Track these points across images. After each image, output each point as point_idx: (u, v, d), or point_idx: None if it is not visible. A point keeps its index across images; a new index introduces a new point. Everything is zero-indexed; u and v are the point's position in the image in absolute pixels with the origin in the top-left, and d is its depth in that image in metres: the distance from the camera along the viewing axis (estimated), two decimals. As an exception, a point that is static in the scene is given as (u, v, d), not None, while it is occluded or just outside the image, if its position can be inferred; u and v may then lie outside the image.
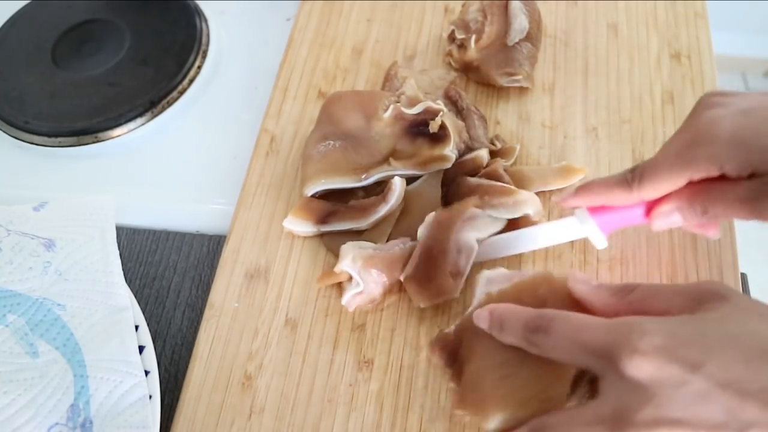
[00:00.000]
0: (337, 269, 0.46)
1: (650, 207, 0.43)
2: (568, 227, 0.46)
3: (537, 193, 0.51)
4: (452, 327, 0.43)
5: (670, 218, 0.42)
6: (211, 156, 0.59)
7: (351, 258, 0.46)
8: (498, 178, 0.50)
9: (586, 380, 0.37)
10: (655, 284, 0.37)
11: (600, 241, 0.45)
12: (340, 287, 0.48)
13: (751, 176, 0.37)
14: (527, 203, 0.48)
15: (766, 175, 0.36)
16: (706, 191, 0.39)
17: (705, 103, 0.41)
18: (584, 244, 0.49)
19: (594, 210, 0.45)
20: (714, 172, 0.38)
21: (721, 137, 0.38)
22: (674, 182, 0.40)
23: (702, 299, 0.33)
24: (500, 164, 0.51)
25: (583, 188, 0.44)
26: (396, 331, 0.47)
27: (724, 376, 0.29)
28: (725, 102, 0.40)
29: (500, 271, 0.44)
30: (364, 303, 0.47)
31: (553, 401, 0.36)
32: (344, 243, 0.50)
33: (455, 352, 0.42)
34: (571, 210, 0.46)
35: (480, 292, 0.43)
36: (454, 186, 0.50)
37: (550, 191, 0.52)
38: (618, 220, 0.44)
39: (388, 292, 0.48)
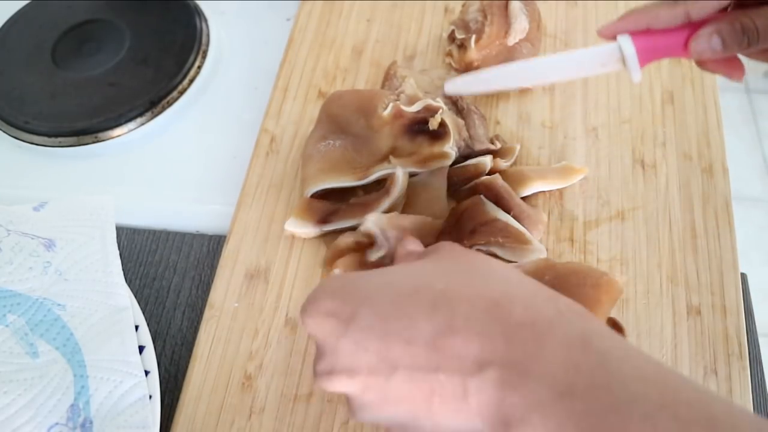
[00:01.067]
0: (361, 229, 0.46)
1: (691, 36, 0.41)
2: (604, 54, 0.42)
3: (537, 194, 0.51)
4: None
5: (711, 43, 0.39)
6: (211, 156, 0.59)
7: (374, 219, 0.45)
8: (497, 191, 0.50)
9: None
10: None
11: (636, 73, 0.42)
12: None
13: None
14: (536, 252, 0.47)
15: None
16: (748, 12, 0.38)
17: None
18: (583, 245, 0.49)
19: (636, 36, 0.41)
20: None
21: None
22: None
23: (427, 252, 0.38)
24: (499, 180, 0.50)
25: (628, 13, 0.41)
26: (396, 331, 0.47)
27: (373, 322, 0.32)
28: None
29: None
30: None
31: None
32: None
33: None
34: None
35: None
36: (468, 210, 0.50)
37: (550, 191, 0.52)
38: (659, 48, 0.41)
39: None
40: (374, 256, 0.46)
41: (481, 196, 0.49)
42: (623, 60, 0.41)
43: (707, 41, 0.39)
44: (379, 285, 0.34)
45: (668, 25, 0.40)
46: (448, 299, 0.32)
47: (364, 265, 0.46)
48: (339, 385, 0.32)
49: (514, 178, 0.51)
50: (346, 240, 0.48)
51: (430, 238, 0.48)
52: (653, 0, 0.40)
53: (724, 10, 0.39)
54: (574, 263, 0.43)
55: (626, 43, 0.41)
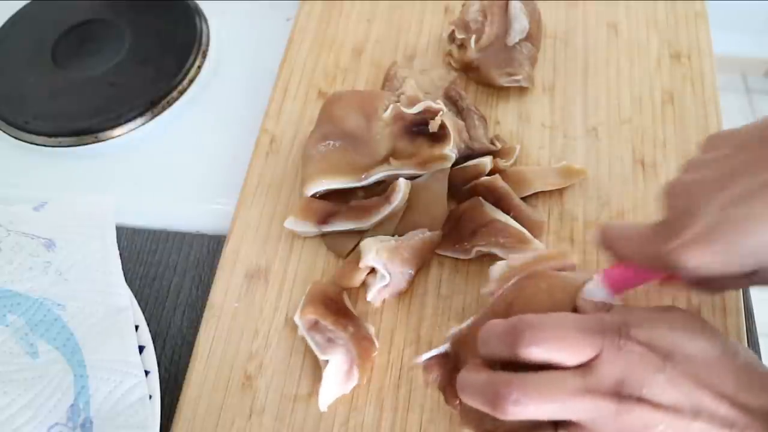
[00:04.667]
0: (362, 265, 0.46)
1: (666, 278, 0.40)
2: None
3: (537, 194, 0.51)
4: (446, 344, 0.41)
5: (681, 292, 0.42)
6: (211, 156, 0.59)
7: (375, 252, 0.45)
8: (497, 191, 0.50)
9: None
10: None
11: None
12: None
13: None
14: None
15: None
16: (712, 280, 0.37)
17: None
18: (583, 246, 0.49)
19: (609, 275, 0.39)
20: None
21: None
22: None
23: (672, 307, 0.38)
24: (500, 181, 0.50)
25: (612, 238, 0.40)
26: (396, 331, 0.47)
27: (688, 368, 0.33)
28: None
29: (502, 264, 0.43)
30: (391, 295, 0.47)
31: None
32: (346, 243, 0.50)
33: (454, 370, 0.39)
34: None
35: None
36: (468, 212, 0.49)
37: (550, 192, 0.52)
38: (633, 283, 0.40)
39: (412, 281, 0.48)
40: (377, 285, 0.46)
41: (480, 197, 0.49)
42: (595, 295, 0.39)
43: (675, 288, 0.42)
44: (684, 337, 0.35)
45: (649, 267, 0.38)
46: (746, 364, 0.35)
47: (339, 313, 0.46)
48: (639, 411, 0.32)
49: (514, 179, 0.51)
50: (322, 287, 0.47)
51: (431, 250, 0.48)
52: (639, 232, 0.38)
53: None
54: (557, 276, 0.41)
55: (597, 287, 0.39)
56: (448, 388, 0.40)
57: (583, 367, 0.34)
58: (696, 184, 0.36)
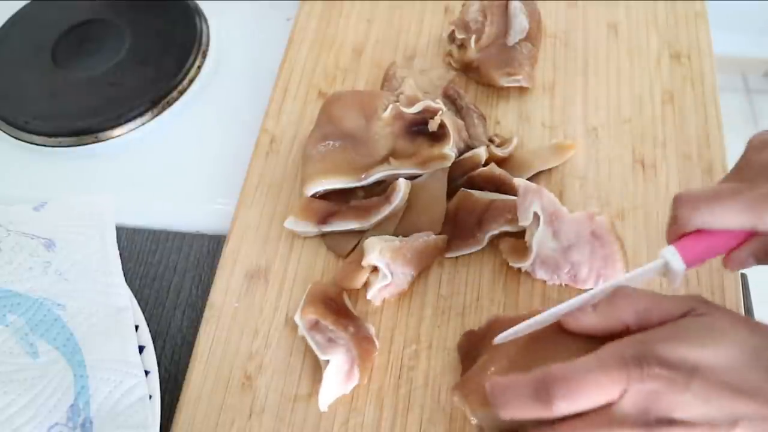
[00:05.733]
0: (364, 263, 0.46)
1: (739, 245, 0.38)
2: (651, 272, 0.39)
3: (539, 173, 0.52)
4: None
5: (746, 263, 0.39)
6: (211, 156, 0.59)
7: (378, 251, 0.45)
8: (495, 179, 0.50)
9: None
10: (646, 295, 0.37)
11: (678, 281, 0.39)
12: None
13: None
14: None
15: None
16: None
17: None
18: (584, 244, 0.49)
19: (684, 245, 0.38)
20: None
21: None
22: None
23: (690, 310, 0.36)
24: (496, 169, 0.51)
25: (690, 201, 0.38)
26: (396, 331, 0.47)
27: (717, 378, 0.32)
28: None
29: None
30: (391, 295, 0.47)
31: None
32: (346, 243, 0.50)
33: (476, 347, 0.42)
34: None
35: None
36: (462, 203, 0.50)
37: (549, 169, 0.53)
38: (703, 256, 0.38)
39: (414, 282, 0.48)
40: (378, 285, 0.46)
41: (463, 188, 0.50)
42: (666, 271, 0.38)
43: (743, 263, 0.39)
44: (712, 339, 0.34)
45: (728, 228, 0.37)
46: None
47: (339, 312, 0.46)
48: None
49: (513, 164, 0.52)
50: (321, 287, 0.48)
51: (434, 254, 0.48)
52: (725, 185, 0.37)
53: None
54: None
55: (675, 260, 0.37)
56: (464, 359, 0.43)
57: (609, 405, 0.33)
58: None
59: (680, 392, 0.32)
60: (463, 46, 0.58)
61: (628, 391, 0.32)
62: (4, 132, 0.61)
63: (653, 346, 0.33)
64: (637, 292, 0.37)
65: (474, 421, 0.39)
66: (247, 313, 0.48)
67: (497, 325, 0.42)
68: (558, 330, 0.38)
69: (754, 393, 0.32)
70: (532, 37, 0.58)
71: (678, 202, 0.38)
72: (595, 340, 0.36)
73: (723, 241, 0.37)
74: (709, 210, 0.36)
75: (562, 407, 0.33)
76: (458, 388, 0.39)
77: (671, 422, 0.32)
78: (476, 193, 0.50)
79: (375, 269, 0.46)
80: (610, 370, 0.33)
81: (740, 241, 0.38)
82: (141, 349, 0.43)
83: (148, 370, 0.43)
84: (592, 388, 0.32)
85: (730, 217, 0.35)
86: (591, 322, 0.37)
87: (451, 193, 0.50)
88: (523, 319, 0.39)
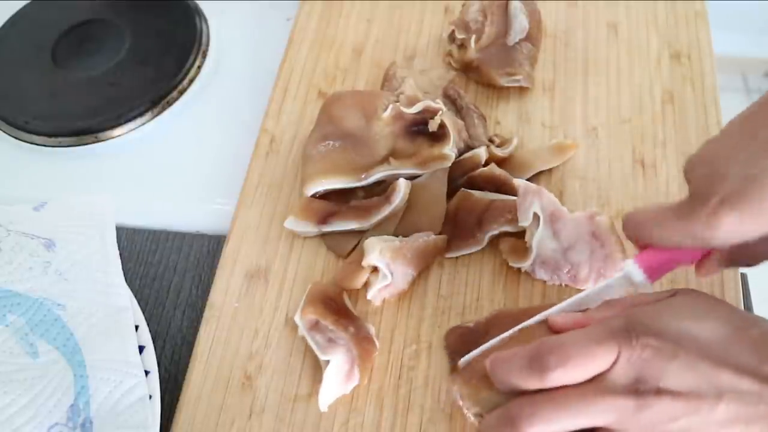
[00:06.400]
0: (364, 263, 0.46)
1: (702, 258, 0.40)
2: (615, 287, 0.40)
3: (539, 173, 0.52)
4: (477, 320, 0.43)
5: (715, 272, 0.40)
6: (211, 156, 0.59)
7: (378, 251, 0.45)
8: (495, 179, 0.50)
9: None
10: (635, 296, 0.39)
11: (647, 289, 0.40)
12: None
13: None
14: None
15: None
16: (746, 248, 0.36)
17: None
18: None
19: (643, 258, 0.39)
20: None
21: None
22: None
23: (675, 293, 0.37)
24: (496, 169, 0.51)
25: (635, 224, 0.39)
26: (396, 331, 0.47)
27: (702, 349, 0.33)
28: None
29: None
30: (391, 295, 0.47)
31: None
32: (346, 243, 0.50)
33: (476, 342, 0.41)
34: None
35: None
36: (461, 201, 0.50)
37: (549, 169, 0.53)
38: (668, 265, 0.39)
39: (414, 282, 0.48)
40: (379, 285, 0.46)
41: (463, 189, 0.50)
42: (632, 282, 0.39)
43: (712, 270, 0.40)
44: (694, 314, 0.35)
45: (678, 247, 0.37)
46: (765, 333, 0.34)
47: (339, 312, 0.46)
48: (659, 404, 0.32)
49: (513, 164, 0.52)
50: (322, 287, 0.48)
51: (434, 254, 0.48)
52: (662, 212, 0.37)
53: None
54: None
55: (635, 271, 0.39)
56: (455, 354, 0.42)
57: (601, 375, 0.33)
58: (714, 152, 0.35)
59: (667, 361, 0.32)
60: (463, 46, 0.58)
61: (619, 360, 0.33)
62: (4, 132, 0.61)
63: (641, 316, 0.34)
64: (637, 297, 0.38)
65: (472, 419, 0.39)
66: (247, 313, 0.48)
67: (498, 320, 0.42)
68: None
69: (739, 367, 0.32)
70: (532, 37, 0.58)
71: (624, 224, 0.39)
72: None
73: (683, 254, 0.38)
74: (657, 233, 0.37)
75: (556, 377, 0.33)
76: (459, 374, 0.40)
77: (659, 391, 0.32)
78: (476, 193, 0.50)
79: (375, 269, 0.46)
80: (601, 340, 0.34)
81: (704, 255, 0.39)
82: (141, 349, 0.43)
83: (148, 370, 0.43)
84: (584, 358, 0.33)
85: (677, 238, 0.36)
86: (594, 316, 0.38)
87: (451, 194, 0.50)
88: (526, 314, 0.40)
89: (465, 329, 0.45)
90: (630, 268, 0.39)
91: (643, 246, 0.39)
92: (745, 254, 0.38)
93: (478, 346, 0.41)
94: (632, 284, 0.39)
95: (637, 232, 0.38)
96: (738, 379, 0.32)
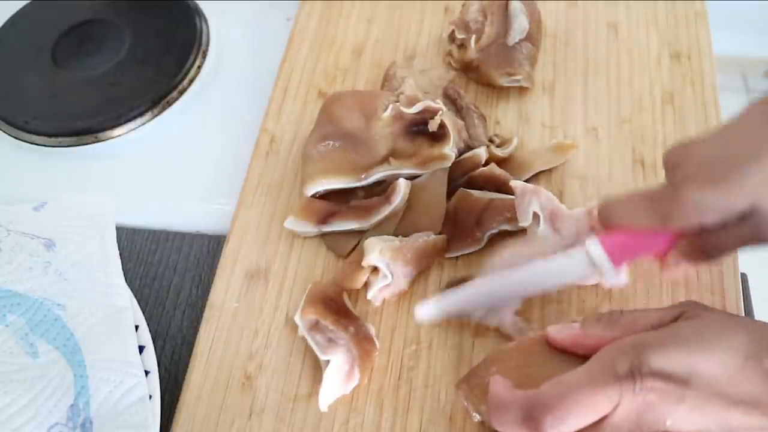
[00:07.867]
0: (364, 263, 0.46)
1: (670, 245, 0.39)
2: (576, 264, 0.40)
3: (539, 173, 0.52)
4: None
5: (681, 266, 0.40)
6: (211, 156, 0.59)
7: (378, 251, 0.45)
8: (495, 179, 0.50)
9: None
10: (636, 309, 0.38)
11: (611, 277, 0.39)
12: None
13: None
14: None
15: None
16: (707, 236, 0.37)
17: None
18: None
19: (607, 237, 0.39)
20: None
21: None
22: None
23: (681, 313, 0.36)
24: (497, 169, 0.51)
25: (605, 209, 0.40)
26: (396, 331, 0.47)
27: (710, 389, 0.32)
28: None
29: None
30: (391, 295, 0.47)
31: None
32: (346, 243, 0.50)
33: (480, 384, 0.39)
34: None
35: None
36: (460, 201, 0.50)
37: (549, 169, 0.53)
38: (634, 249, 0.39)
39: (414, 282, 0.48)
40: (379, 285, 0.46)
41: (462, 188, 0.50)
42: (594, 263, 0.38)
43: (676, 265, 0.40)
44: (702, 346, 0.33)
45: (641, 227, 0.38)
46: None
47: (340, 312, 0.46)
48: None
49: (513, 164, 0.52)
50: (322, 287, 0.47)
51: (434, 254, 0.48)
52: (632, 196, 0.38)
53: None
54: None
55: (596, 249, 0.38)
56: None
57: (601, 419, 0.32)
58: (691, 145, 0.37)
59: (673, 405, 0.32)
60: (463, 46, 0.58)
61: (621, 404, 0.32)
62: (4, 132, 0.61)
63: (645, 354, 0.33)
64: (626, 311, 0.37)
65: (476, 418, 0.39)
66: (247, 313, 0.48)
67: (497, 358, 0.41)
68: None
69: (748, 403, 0.32)
70: (532, 37, 0.58)
71: (599, 210, 0.40)
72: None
73: (648, 241, 0.38)
74: (624, 210, 0.38)
75: None
76: (463, 382, 0.40)
77: None
78: (475, 192, 0.50)
79: (375, 269, 0.46)
80: (602, 386, 0.32)
81: (668, 245, 0.39)
82: (141, 349, 0.43)
83: (148, 370, 0.43)
84: (582, 410, 0.32)
85: (641, 214, 0.37)
86: (592, 336, 0.37)
87: (451, 194, 0.50)
88: (518, 348, 0.40)
89: (474, 374, 0.42)
90: (592, 247, 0.38)
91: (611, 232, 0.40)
92: (708, 244, 0.37)
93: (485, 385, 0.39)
94: (594, 264, 0.39)
95: (608, 213, 0.39)
96: (748, 416, 0.31)
